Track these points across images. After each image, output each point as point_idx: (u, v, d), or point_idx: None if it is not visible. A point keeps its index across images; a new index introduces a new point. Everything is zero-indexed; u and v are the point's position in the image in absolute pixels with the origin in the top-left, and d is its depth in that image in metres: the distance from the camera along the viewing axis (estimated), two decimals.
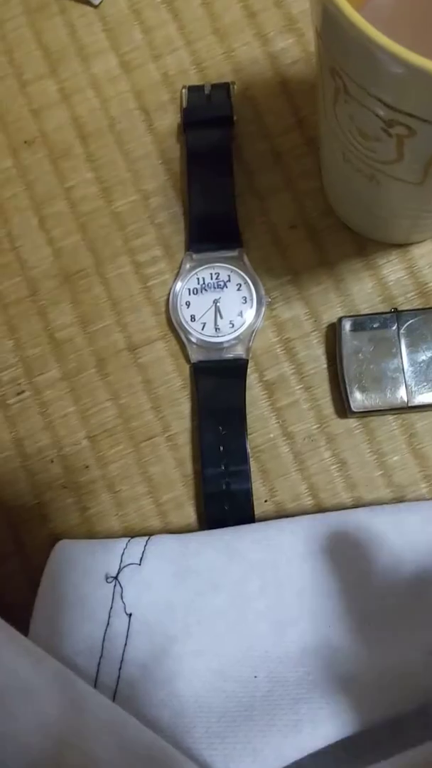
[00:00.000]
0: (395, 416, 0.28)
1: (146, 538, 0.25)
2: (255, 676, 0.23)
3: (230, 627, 0.24)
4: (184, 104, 0.30)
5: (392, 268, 0.29)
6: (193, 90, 0.31)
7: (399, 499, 0.28)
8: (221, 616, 0.24)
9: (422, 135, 0.18)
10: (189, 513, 0.29)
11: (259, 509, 0.28)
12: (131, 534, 0.29)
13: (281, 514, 0.28)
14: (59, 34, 0.32)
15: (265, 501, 0.28)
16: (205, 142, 0.30)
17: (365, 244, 0.29)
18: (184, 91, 0.31)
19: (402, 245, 0.29)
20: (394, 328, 0.28)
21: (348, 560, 0.25)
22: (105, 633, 0.24)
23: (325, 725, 0.22)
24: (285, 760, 0.22)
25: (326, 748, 0.22)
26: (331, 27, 0.17)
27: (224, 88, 0.31)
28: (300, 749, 0.22)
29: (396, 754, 0.21)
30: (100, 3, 0.32)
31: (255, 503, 0.28)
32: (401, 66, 0.15)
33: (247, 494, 0.28)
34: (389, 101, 0.17)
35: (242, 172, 0.31)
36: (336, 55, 0.18)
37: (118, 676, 0.24)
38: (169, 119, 0.31)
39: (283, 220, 0.30)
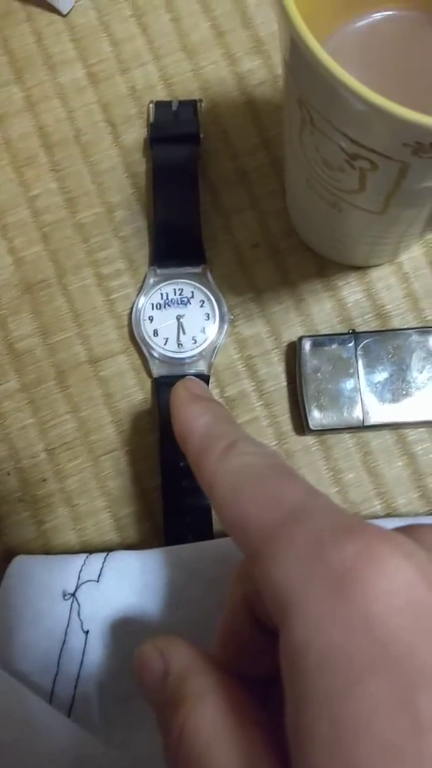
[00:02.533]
0: (351, 434, 0.29)
1: (105, 554, 0.25)
2: None
3: None
4: (151, 119, 0.31)
5: (351, 290, 0.30)
6: (160, 105, 0.31)
7: None
8: (179, 634, 0.24)
9: (383, 169, 0.18)
10: (148, 528, 0.29)
11: (218, 525, 0.28)
12: (89, 548, 0.28)
13: None
14: (26, 41, 0.32)
15: None
16: (171, 158, 0.30)
17: (326, 266, 0.30)
18: (151, 105, 0.31)
19: (361, 268, 0.30)
20: (352, 347, 0.28)
21: None
22: (61, 650, 0.24)
23: None
24: None
25: None
26: (299, 60, 0.17)
27: (191, 105, 0.31)
28: None
29: None
30: (69, 12, 0.32)
31: (214, 519, 0.28)
32: (364, 104, 0.16)
33: (207, 510, 0.28)
34: (353, 136, 0.18)
35: (207, 190, 0.31)
36: (303, 87, 0.18)
37: (74, 694, 0.24)
38: (136, 133, 0.31)
39: (247, 238, 0.30)
